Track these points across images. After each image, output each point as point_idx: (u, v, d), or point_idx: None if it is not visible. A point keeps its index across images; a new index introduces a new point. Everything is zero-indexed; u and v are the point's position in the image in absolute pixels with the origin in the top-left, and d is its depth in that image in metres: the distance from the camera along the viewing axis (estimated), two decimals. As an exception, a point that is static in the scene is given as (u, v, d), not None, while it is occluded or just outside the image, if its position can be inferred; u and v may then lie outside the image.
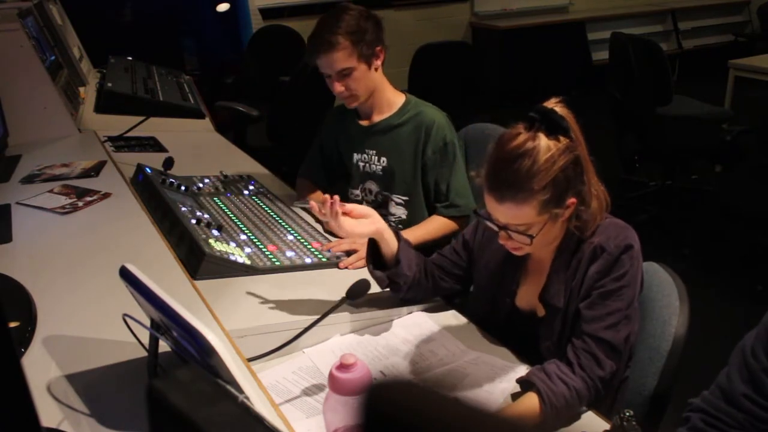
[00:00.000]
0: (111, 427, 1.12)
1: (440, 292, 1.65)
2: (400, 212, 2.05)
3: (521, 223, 1.30)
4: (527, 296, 1.47)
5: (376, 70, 1.96)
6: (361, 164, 2.09)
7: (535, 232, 1.30)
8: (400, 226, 2.03)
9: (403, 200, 2.03)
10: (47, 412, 1.14)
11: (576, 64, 6.66)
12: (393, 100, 2.04)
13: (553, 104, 1.29)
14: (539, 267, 1.45)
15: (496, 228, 1.35)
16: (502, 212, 1.30)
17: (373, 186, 2.08)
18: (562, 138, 1.26)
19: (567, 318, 1.38)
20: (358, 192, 2.12)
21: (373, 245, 1.58)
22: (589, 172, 1.32)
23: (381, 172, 2.05)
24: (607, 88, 4.17)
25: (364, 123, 2.07)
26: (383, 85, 2.02)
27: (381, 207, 2.08)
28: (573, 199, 1.30)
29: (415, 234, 1.92)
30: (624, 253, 1.31)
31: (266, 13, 5.57)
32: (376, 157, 2.06)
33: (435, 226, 1.99)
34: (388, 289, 1.65)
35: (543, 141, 1.25)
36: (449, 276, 1.61)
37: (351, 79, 1.92)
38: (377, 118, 2.05)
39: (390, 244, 1.56)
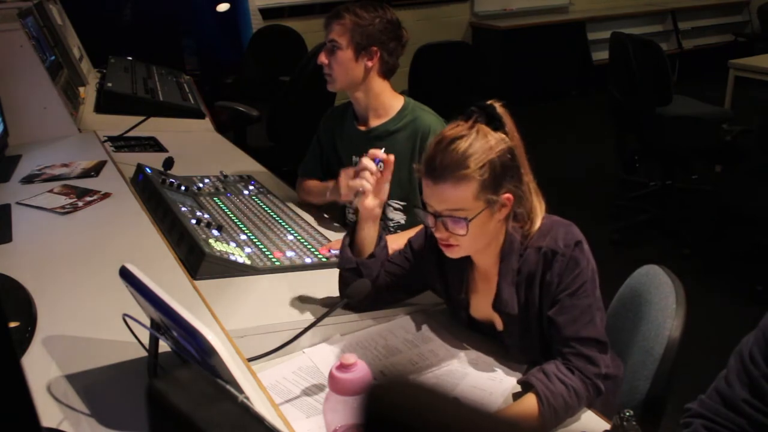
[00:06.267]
0: (111, 427, 1.12)
1: (391, 302, 1.62)
2: (398, 217, 2.05)
3: (457, 208, 1.28)
4: (481, 307, 1.46)
5: (367, 71, 1.97)
6: None
7: (470, 217, 1.27)
8: (398, 230, 2.02)
9: (401, 205, 2.03)
10: (47, 412, 1.14)
11: (576, 64, 6.66)
12: (391, 104, 2.04)
13: (493, 102, 1.34)
14: (486, 276, 1.43)
15: (430, 221, 1.33)
16: (439, 195, 1.29)
17: None
18: (499, 132, 1.31)
19: (529, 325, 1.37)
20: None
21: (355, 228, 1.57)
22: (527, 175, 1.34)
23: None
24: (607, 88, 4.17)
25: (361, 128, 2.07)
26: (382, 90, 2.02)
27: None
28: (509, 195, 1.30)
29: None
30: (575, 250, 1.31)
31: (266, 13, 5.56)
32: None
33: None
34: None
35: (481, 128, 1.30)
36: (397, 285, 1.57)
37: (334, 58, 1.95)
38: (374, 123, 2.04)
39: (371, 234, 1.55)
